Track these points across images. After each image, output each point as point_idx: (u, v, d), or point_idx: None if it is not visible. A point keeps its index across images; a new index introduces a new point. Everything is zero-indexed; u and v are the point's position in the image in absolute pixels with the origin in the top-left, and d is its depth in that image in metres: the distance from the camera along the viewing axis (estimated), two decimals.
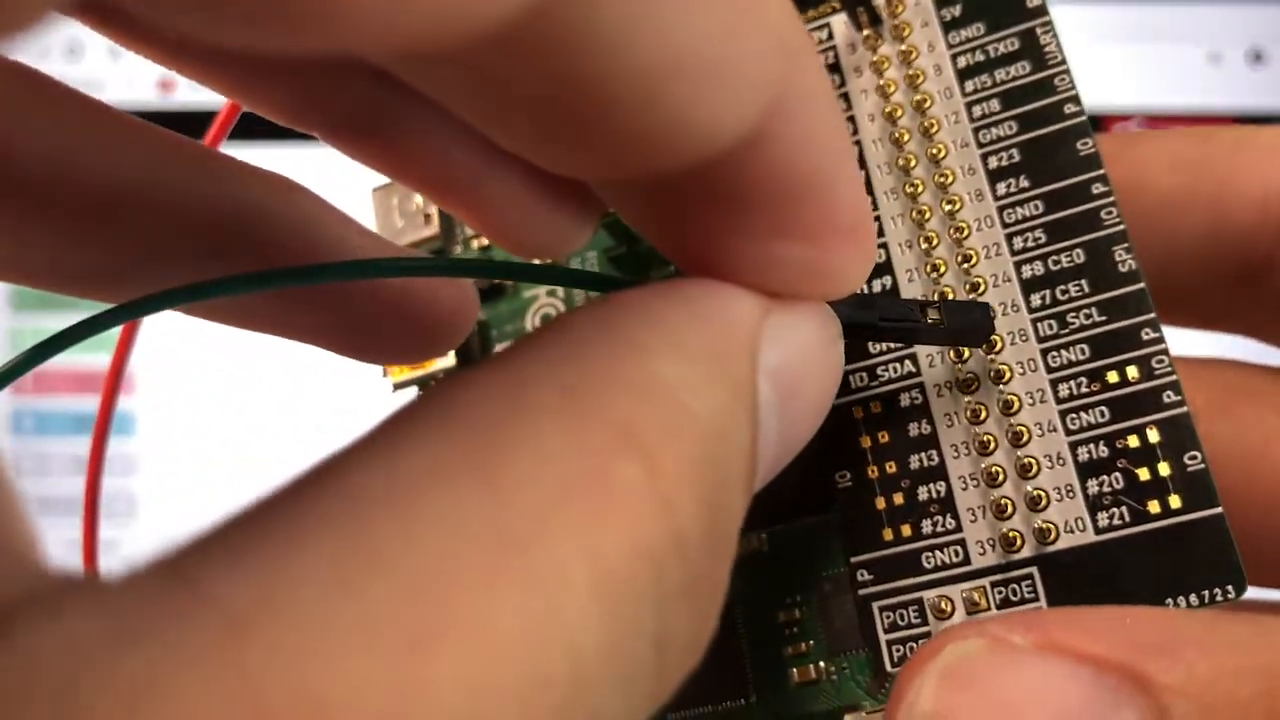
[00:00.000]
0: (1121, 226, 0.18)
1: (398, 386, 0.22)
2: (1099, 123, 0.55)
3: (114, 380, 0.21)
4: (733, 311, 0.13)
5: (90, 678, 0.08)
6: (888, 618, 0.17)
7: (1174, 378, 0.17)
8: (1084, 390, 0.17)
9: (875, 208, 0.19)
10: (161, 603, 0.08)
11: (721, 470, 0.12)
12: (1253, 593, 0.20)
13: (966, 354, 0.18)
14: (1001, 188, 0.19)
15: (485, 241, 0.23)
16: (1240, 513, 0.19)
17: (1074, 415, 0.17)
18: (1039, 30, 0.19)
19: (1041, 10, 0.19)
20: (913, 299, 0.19)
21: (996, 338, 0.18)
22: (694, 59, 0.11)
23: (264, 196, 0.17)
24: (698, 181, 0.13)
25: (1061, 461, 0.17)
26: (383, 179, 0.24)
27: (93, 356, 0.18)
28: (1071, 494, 0.17)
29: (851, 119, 0.20)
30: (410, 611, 0.09)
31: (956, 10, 0.20)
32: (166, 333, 0.28)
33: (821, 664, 0.18)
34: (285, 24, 0.09)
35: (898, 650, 0.17)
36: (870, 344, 0.19)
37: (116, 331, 0.19)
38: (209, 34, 0.10)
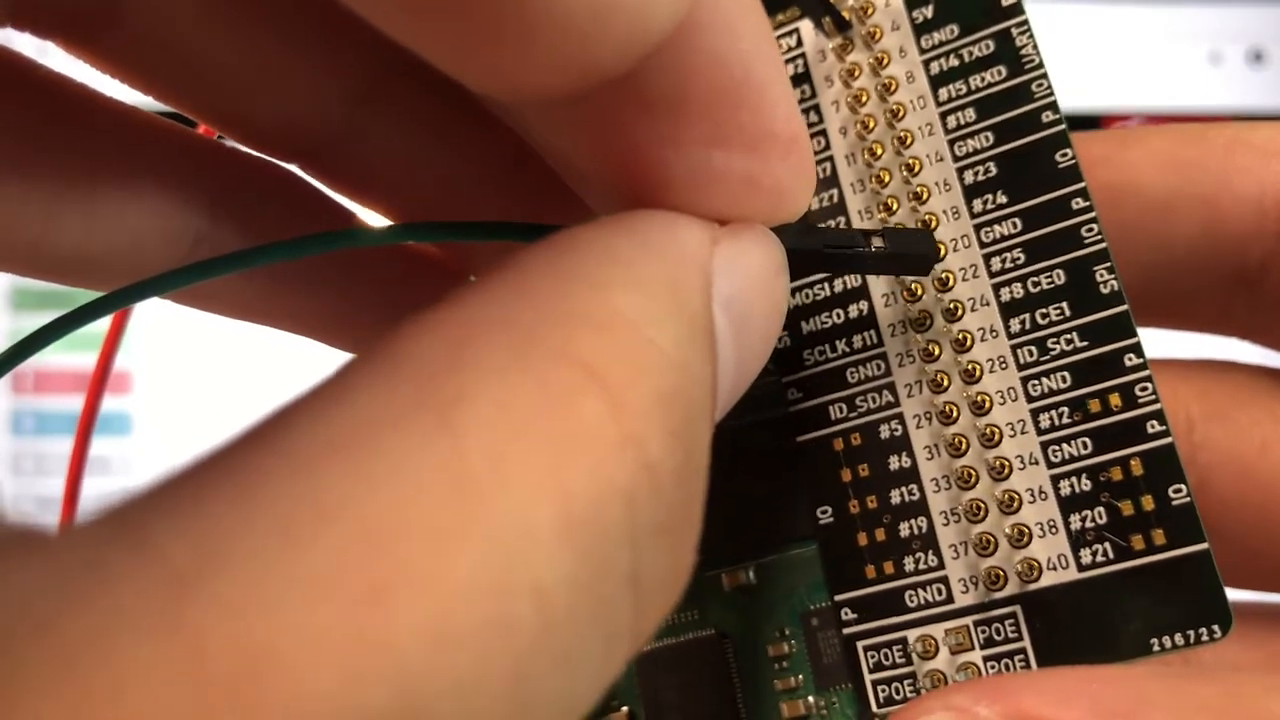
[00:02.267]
0: (1103, 245, 0.17)
1: None
2: (1099, 123, 0.54)
3: (101, 374, 0.21)
4: (684, 241, 0.13)
5: (29, 635, 0.08)
6: (872, 657, 0.17)
7: (1157, 406, 0.16)
8: (1065, 420, 0.17)
9: (849, 226, 0.19)
10: (104, 557, 0.08)
11: (687, 402, 0.12)
12: (1248, 595, 0.20)
13: (945, 382, 0.17)
14: (978, 204, 0.18)
15: None
16: (1236, 518, 0.18)
17: (1056, 447, 0.17)
18: (1014, 31, 0.18)
19: (1016, 9, 0.18)
20: (857, 228, 0.18)
21: (975, 365, 0.17)
22: None
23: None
24: (631, 89, 0.13)
25: (1044, 496, 0.17)
26: None
27: (93, 356, 0.18)
28: (1054, 529, 0.16)
29: (823, 132, 0.19)
30: (364, 561, 0.08)
31: (929, 11, 0.19)
32: (163, 332, 0.28)
33: (810, 699, 0.18)
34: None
35: (883, 690, 0.17)
36: (848, 374, 0.18)
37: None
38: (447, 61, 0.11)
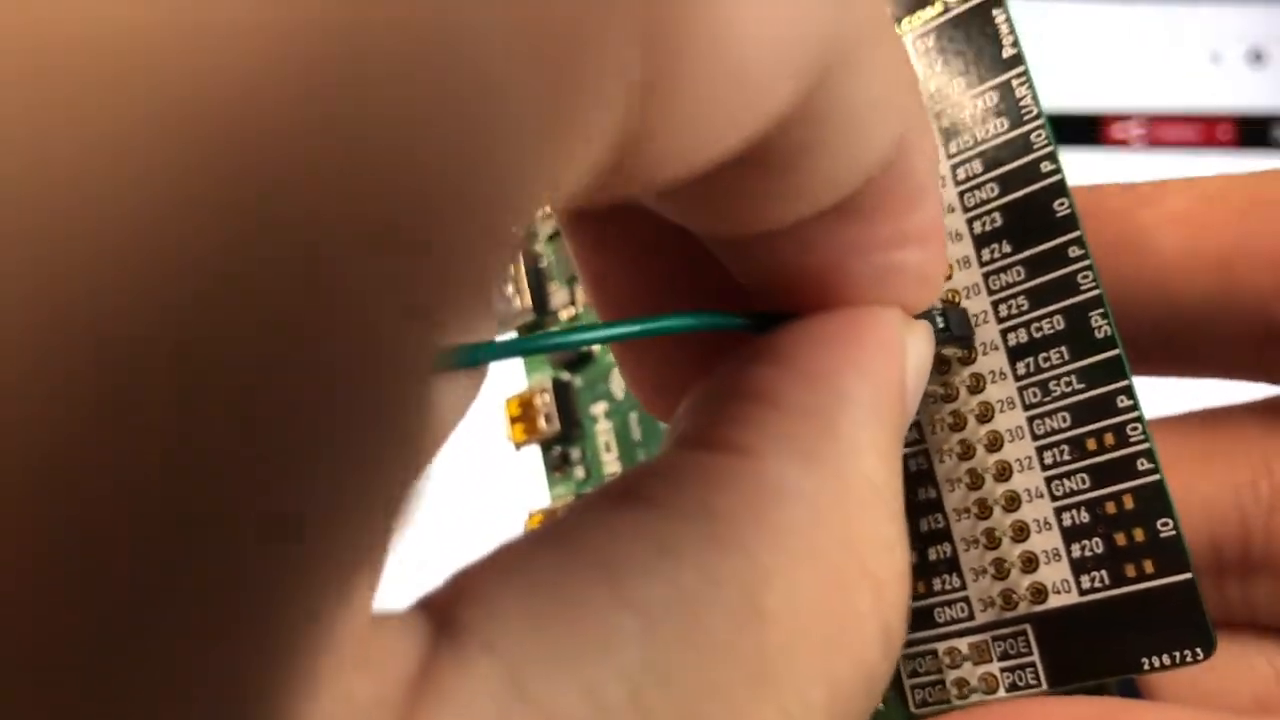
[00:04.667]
0: (1097, 291, 0.18)
1: (520, 446, 0.25)
2: (1099, 123, 0.52)
3: None
4: (898, 364, 0.15)
5: None
6: (908, 665, 0.20)
7: (1146, 445, 0.18)
8: (1066, 457, 0.18)
9: None
10: (508, 716, 0.10)
11: (907, 567, 0.13)
12: None
13: (963, 421, 0.19)
14: (986, 253, 0.19)
15: (574, 311, 0.25)
16: None
17: (1058, 482, 0.18)
18: (1014, 83, 0.19)
19: (1017, 60, 0.19)
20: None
21: (988, 406, 0.19)
22: (885, 100, 0.13)
23: None
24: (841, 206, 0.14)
25: (1049, 526, 0.18)
26: None
27: None
28: (1058, 557, 0.18)
29: None
30: None
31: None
32: None
33: None
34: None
35: (919, 694, 0.20)
36: None
37: None
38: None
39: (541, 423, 0.25)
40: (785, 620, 0.11)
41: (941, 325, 0.18)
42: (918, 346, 0.16)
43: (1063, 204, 0.19)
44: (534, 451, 0.26)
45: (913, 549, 0.20)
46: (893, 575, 0.13)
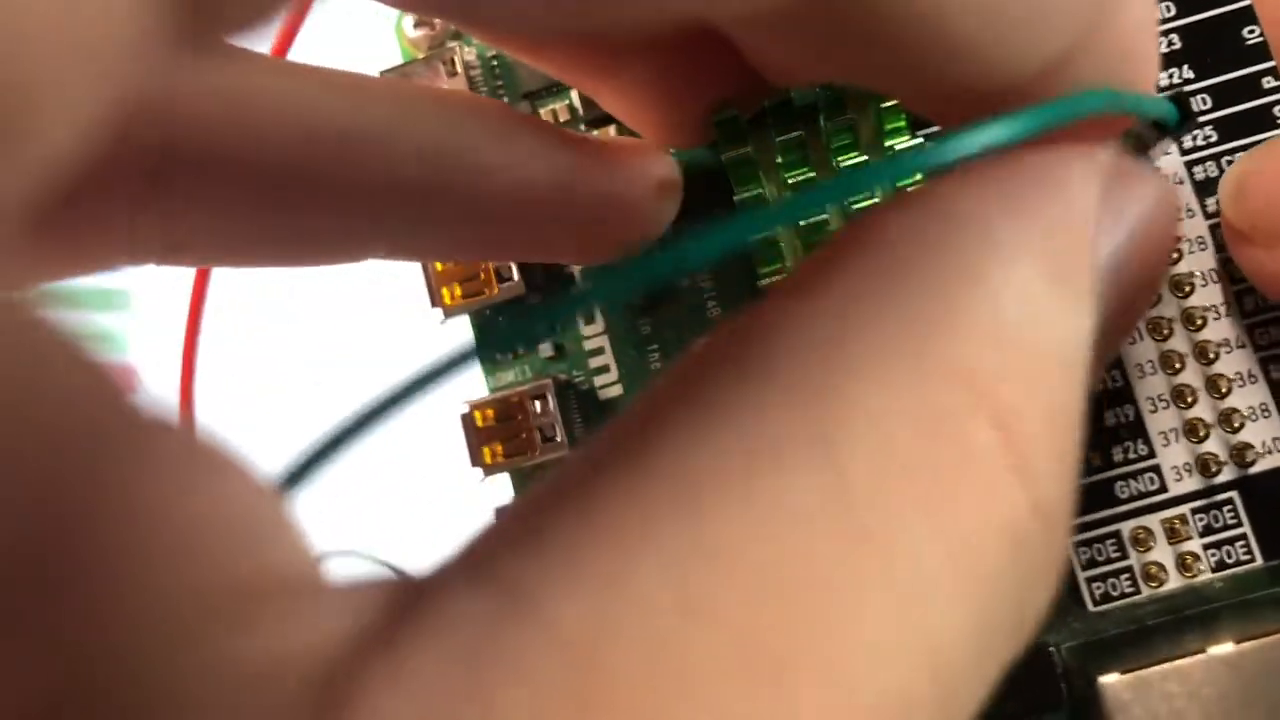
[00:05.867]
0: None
1: (449, 314, 0.18)
2: None
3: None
4: (1070, 199, 0.11)
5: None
6: (1084, 553, 0.16)
7: None
8: (1271, 302, 0.16)
9: None
10: (501, 634, 0.08)
11: (1071, 413, 0.10)
12: None
13: None
14: (1164, 80, 0.17)
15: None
16: None
17: (1262, 330, 0.16)
18: None
19: None
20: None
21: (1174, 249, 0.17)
22: None
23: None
24: None
25: (1253, 379, 0.16)
26: None
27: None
28: (1266, 413, 0.16)
29: None
30: (762, 635, 0.08)
31: None
32: (168, 326, 0.23)
33: None
34: None
35: (1098, 587, 0.16)
36: None
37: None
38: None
39: (490, 282, 0.18)
40: (874, 468, 0.09)
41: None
42: (1132, 206, 0.13)
43: (1252, 32, 0.17)
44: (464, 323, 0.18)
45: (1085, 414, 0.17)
46: (1031, 415, 0.09)
